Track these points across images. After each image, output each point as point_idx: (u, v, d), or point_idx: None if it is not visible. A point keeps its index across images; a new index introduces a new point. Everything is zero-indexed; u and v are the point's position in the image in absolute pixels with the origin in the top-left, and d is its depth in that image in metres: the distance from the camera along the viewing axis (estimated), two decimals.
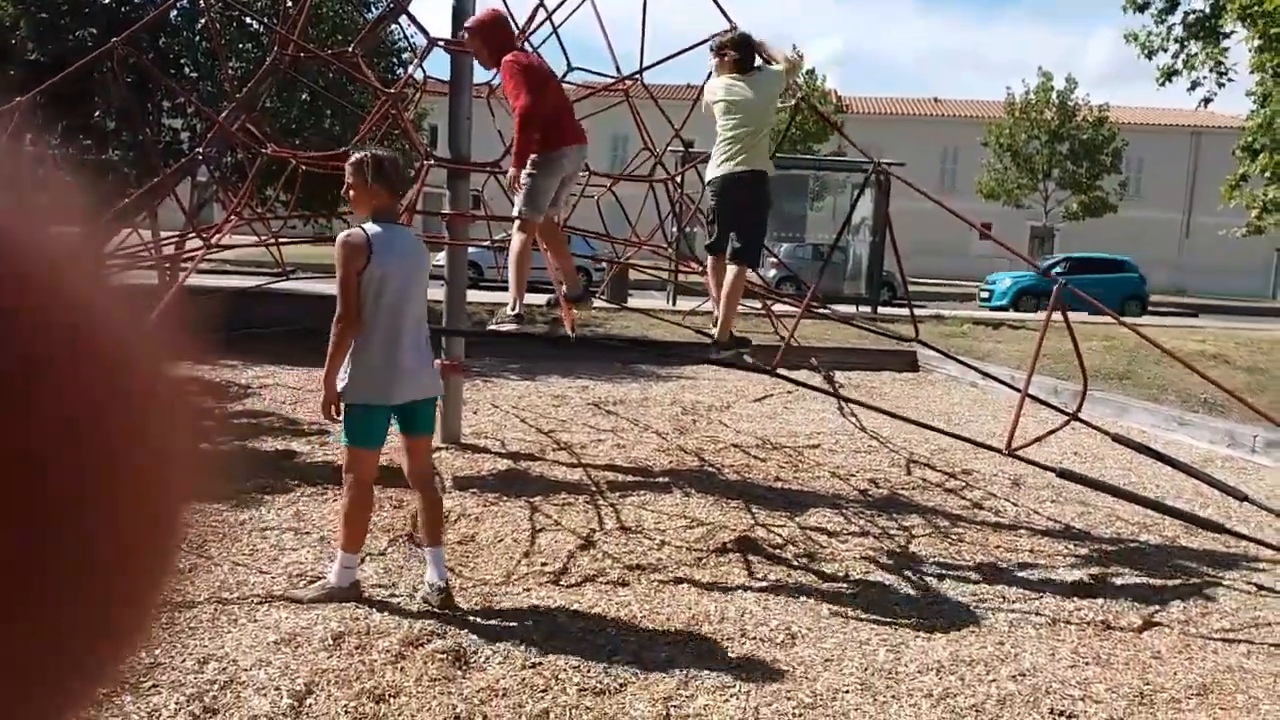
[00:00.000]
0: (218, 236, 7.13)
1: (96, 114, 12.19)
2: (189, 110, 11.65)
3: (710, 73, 6.00)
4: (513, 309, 5.54)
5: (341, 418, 4.02)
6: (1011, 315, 19.72)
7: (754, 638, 3.95)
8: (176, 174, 7.77)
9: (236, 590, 4.14)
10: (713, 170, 5.61)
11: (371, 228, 3.99)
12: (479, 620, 3.94)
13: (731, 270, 5.64)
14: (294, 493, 5.56)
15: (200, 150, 7.83)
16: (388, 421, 4.10)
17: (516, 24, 7.42)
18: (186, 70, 12.13)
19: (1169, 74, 14.30)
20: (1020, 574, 4.84)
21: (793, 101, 10.02)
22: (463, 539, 4.94)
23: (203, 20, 10.68)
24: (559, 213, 5.89)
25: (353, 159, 4.09)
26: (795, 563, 4.83)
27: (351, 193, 4.10)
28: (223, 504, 5.26)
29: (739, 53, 5.69)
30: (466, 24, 5.64)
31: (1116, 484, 5.79)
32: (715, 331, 5.90)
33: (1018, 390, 5.79)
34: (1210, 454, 7.89)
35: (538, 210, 5.48)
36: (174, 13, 11.23)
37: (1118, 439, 5.80)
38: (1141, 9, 13.84)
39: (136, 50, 6.12)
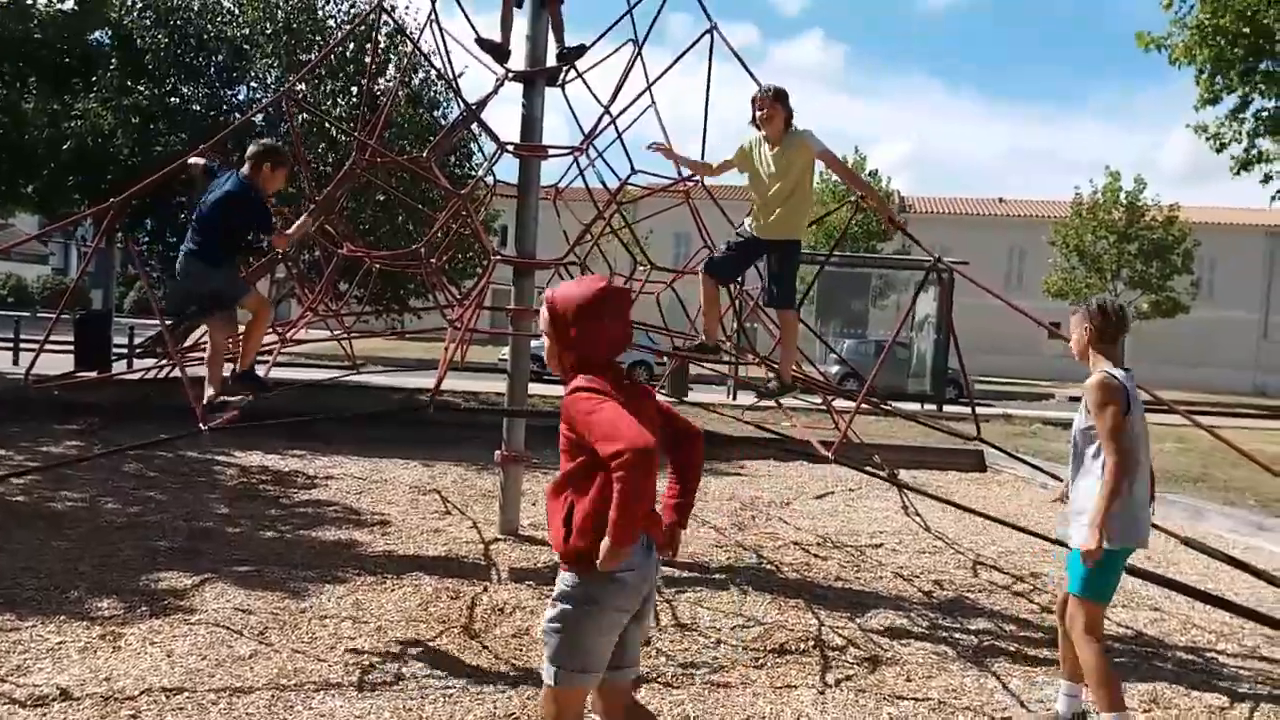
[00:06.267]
0: (293, 331, 7.40)
1: (182, 214, 12.89)
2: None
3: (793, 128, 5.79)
4: None
5: (1074, 566, 3.84)
6: None
7: None
8: (257, 271, 8.11)
9: (294, 678, 4.18)
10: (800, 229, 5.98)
11: (1121, 373, 3.85)
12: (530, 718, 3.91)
13: (792, 316, 6.11)
14: (353, 582, 5.62)
15: (280, 249, 8.17)
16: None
17: (583, 130, 7.72)
18: None
19: (1244, 164, 14.09)
20: None
21: (851, 199, 10.12)
22: (517, 632, 4.92)
23: (284, 125, 11.27)
24: None
25: (1096, 304, 3.99)
26: (856, 665, 4.71)
27: (1084, 337, 3.96)
28: (283, 591, 5.34)
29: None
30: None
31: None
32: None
33: None
34: None
35: None
36: (259, 118, 11.88)
37: (1189, 543, 5.60)
38: (1213, 103, 13.73)
39: (222, 155, 6.49)
